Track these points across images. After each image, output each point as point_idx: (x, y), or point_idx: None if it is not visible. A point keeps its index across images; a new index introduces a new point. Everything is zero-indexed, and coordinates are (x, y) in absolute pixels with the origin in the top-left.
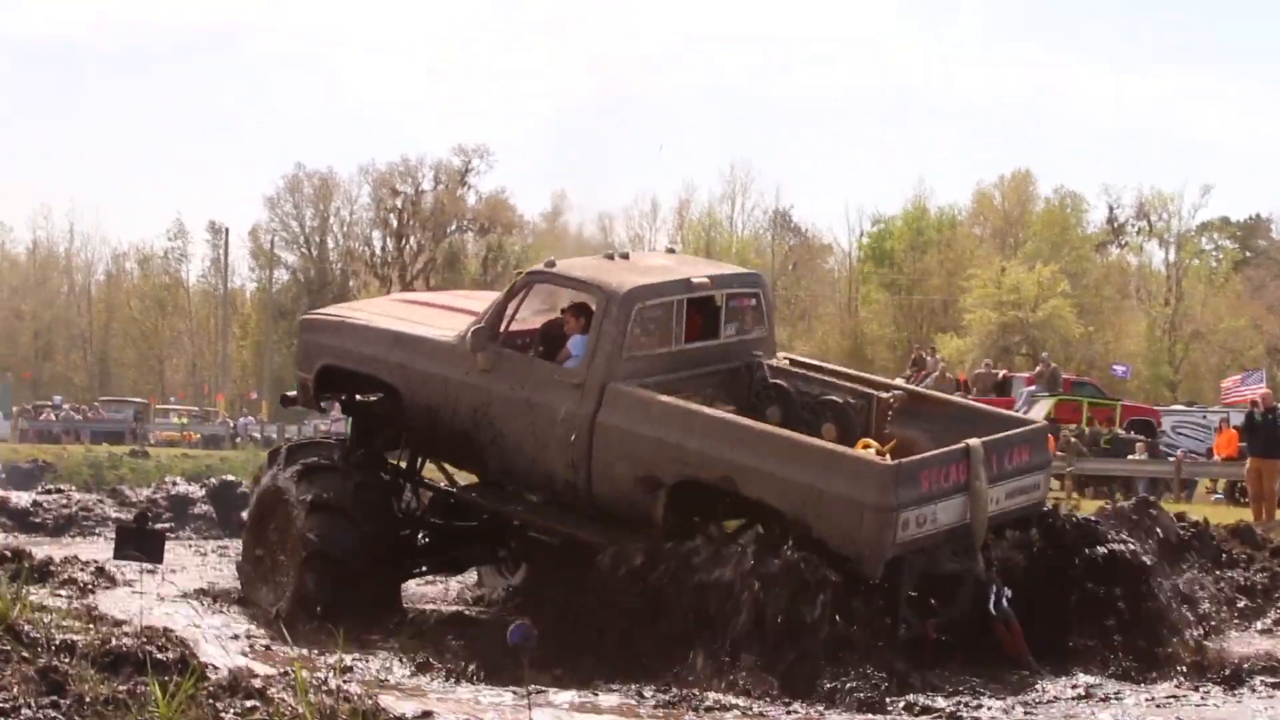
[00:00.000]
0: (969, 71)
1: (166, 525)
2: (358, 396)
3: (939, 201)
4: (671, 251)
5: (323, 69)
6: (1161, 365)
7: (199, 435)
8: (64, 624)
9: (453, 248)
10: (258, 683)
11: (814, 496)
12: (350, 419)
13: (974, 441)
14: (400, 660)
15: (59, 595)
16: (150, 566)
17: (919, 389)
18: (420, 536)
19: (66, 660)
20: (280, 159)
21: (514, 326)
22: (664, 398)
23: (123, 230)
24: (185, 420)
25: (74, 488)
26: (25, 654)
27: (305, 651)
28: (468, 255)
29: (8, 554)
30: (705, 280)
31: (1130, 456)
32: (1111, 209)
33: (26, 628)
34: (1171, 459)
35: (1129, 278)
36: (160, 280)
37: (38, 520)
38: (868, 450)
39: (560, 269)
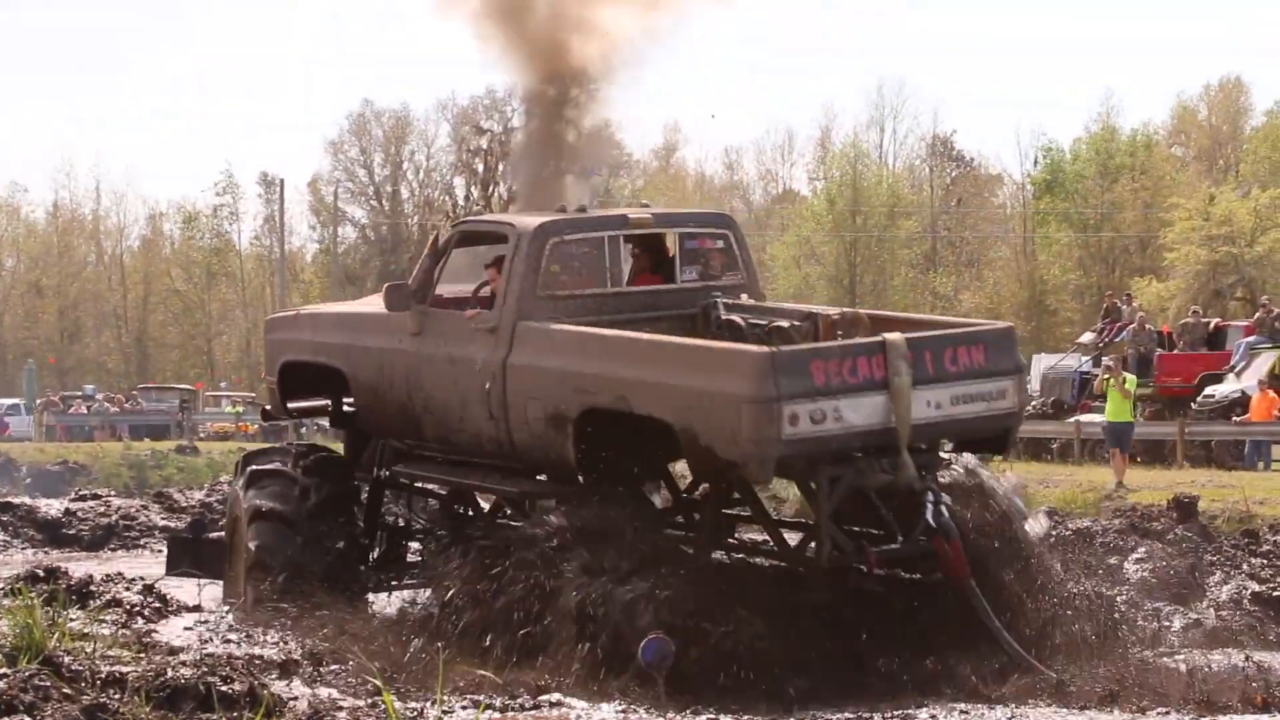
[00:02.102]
0: None
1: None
2: (343, 404)
3: (1131, 120)
4: (645, 206)
5: None
6: None
7: (256, 426)
8: (110, 654)
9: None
10: (343, 715)
11: (696, 400)
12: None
13: (892, 335)
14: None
15: (102, 620)
16: (209, 582)
17: (884, 313)
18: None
19: (116, 696)
20: (344, 97)
21: (456, 293)
22: (565, 326)
23: (160, 187)
24: (239, 408)
25: (112, 493)
26: (67, 690)
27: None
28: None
29: (40, 573)
30: (646, 217)
31: None
32: None
33: (67, 659)
34: None
35: None
36: (206, 244)
37: (71, 532)
38: None
39: (481, 217)
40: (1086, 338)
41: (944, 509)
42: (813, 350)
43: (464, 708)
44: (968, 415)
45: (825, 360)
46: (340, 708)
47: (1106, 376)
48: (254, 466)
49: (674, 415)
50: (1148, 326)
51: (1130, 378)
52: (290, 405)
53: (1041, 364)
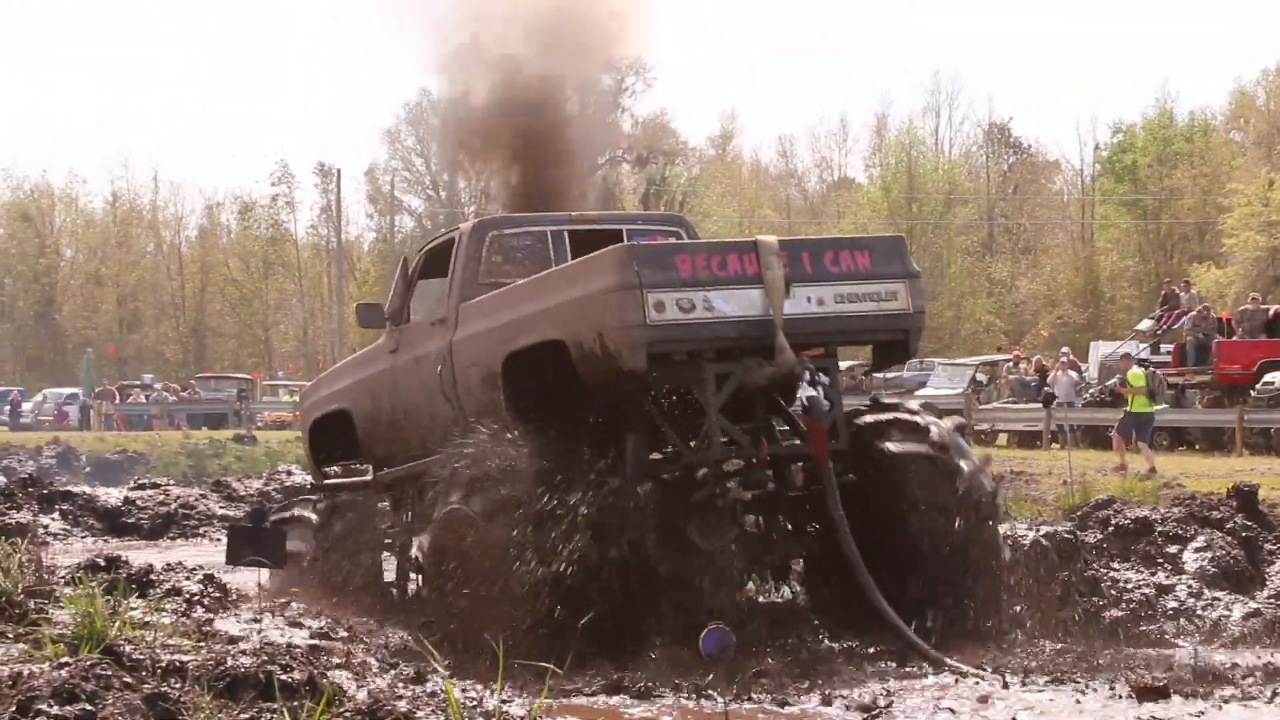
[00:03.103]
0: None
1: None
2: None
3: (1189, 105)
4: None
5: None
6: None
7: None
8: (170, 643)
9: (607, 182)
10: (403, 705)
11: (578, 309)
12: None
13: (764, 237)
14: (570, 677)
15: (163, 610)
16: (271, 571)
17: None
18: None
19: (177, 686)
20: (400, 87)
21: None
22: (489, 293)
23: (217, 178)
24: (297, 397)
25: (171, 481)
26: (128, 679)
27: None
28: (623, 190)
29: (100, 562)
30: (594, 215)
31: None
32: None
33: (128, 648)
34: None
35: None
36: (263, 234)
37: (130, 521)
38: None
39: (437, 235)
40: (1144, 325)
41: (822, 390)
42: (677, 245)
43: (520, 697)
44: (855, 314)
45: (692, 255)
46: (400, 696)
47: (1122, 389)
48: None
49: (564, 330)
50: (1210, 314)
51: (1136, 374)
52: (325, 470)
53: (1099, 351)
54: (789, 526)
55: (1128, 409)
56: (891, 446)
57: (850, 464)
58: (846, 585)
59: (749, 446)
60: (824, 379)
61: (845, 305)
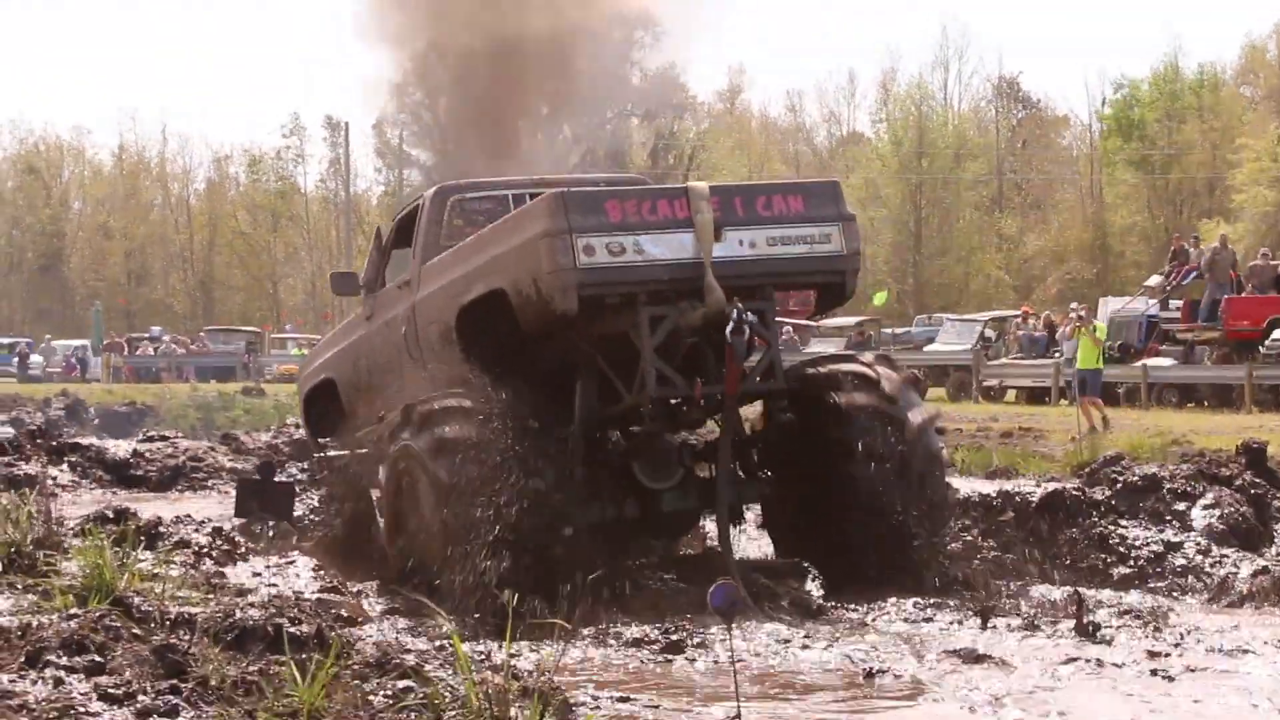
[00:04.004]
0: None
1: (293, 477)
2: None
3: (1198, 58)
4: None
5: None
6: None
7: None
8: (179, 595)
9: (615, 136)
10: (410, 659)
11: (515, 257)
12: None
13: (695, 183)
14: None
15: (171, 562)
16: (279, 524)
17: None
18: None
19: (185, 637)
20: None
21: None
22: (450, 250)
23: (226, 132)
24: (305, 351)
25: (180, 434)
26: (137, 631)
27: (464, 623)
28: (632, 144)
29: (109, 514)
30: (555, 177)
31: None
32: None
33: (137, 600)
34: None
35: None
36: (271, 187)
37: (139, 473)
38: None
39: (407, 204)
40: (1153, 281)
41: (747, 330)
42: (608, 192)
43: (531, 650)
44: (787, 256)
45: (622, 200)
46: (408, 650)
47: (1078, 325)
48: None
49: (504, 279)
50: (1228, 246)
51: (1101, 325)
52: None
53: (1108, 307)
54: (740, 471)
55: (1079, 368)
56: (839, 397)
57: (794, 406)
58: (813, 529)
59: (684, 386)
60: (750, 318)
61: (777, 248)
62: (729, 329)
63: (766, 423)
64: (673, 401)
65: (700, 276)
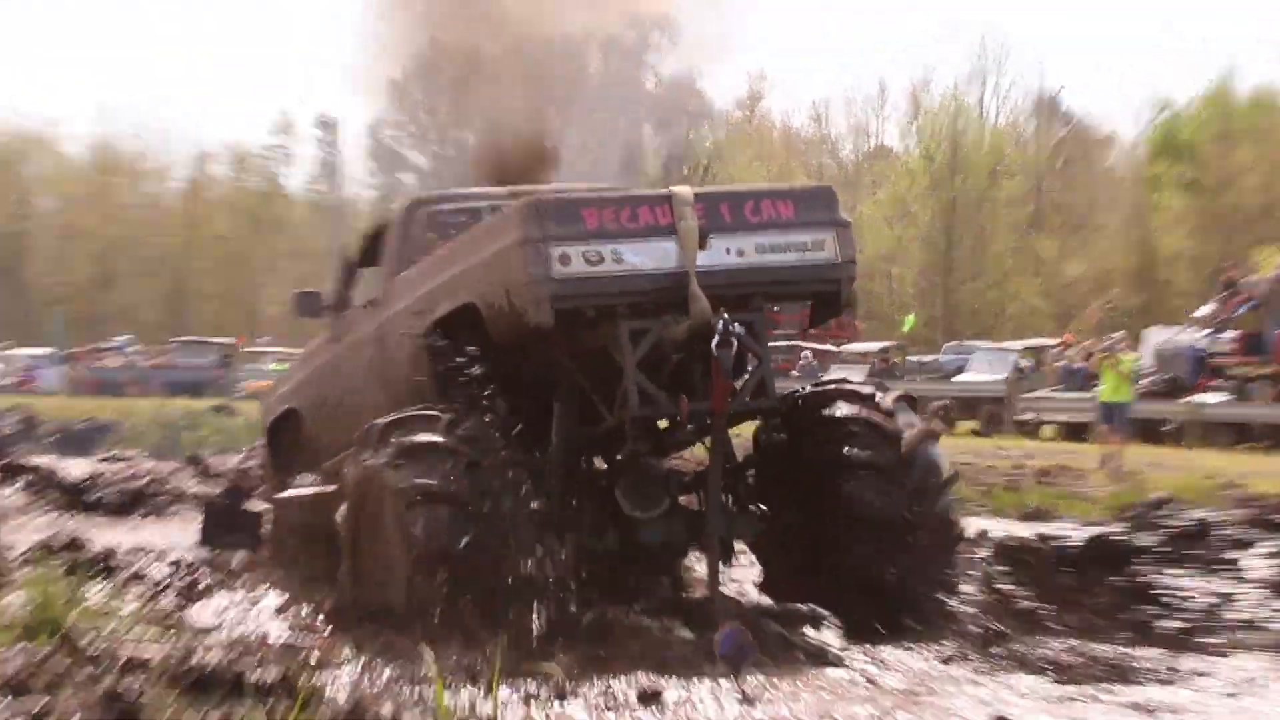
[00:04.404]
0: None
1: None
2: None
3: (1252, 79)
4: None
5: None
6: None
7: None
8: (134, 633)
9: (627, 144)
10: (386, 710)
11: (485, 269)
12: None
13: (679, 188)
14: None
15: (126, 595)
16: (246, 555)
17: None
18: None
19: (139, 681)
20: (410, 37)
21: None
22: (418, 264)
23: (206, 128)
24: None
25: (143, 454)
26: (87, 671)
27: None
28: (645, 154)
29: (61, 541)
30: (533, 189)
31: None
32: None
33: (87, 638)
34: None
35: None
36: (256, 187)
37: (96, 497)
38: None
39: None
40: (1203, 311)
41: (734, 342)
42: (585, 199)
43: (522, 702)
44: (778, 264)
45: (600, 208)
46: (383, 698)
47: (1104, 357)
48: None
49: (475, 293)
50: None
51: (1126, 358)
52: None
53: (1154, 338)
54: (732, 502)
55: (1102, 400)
56: (831, 411)
57: (787, 426)
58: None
59: (669, 405)
60: (738, 330)
61: (767, 256)
62: (714, 341)
63: (757, 446)
64: (660, 423)
65: (684, 287)
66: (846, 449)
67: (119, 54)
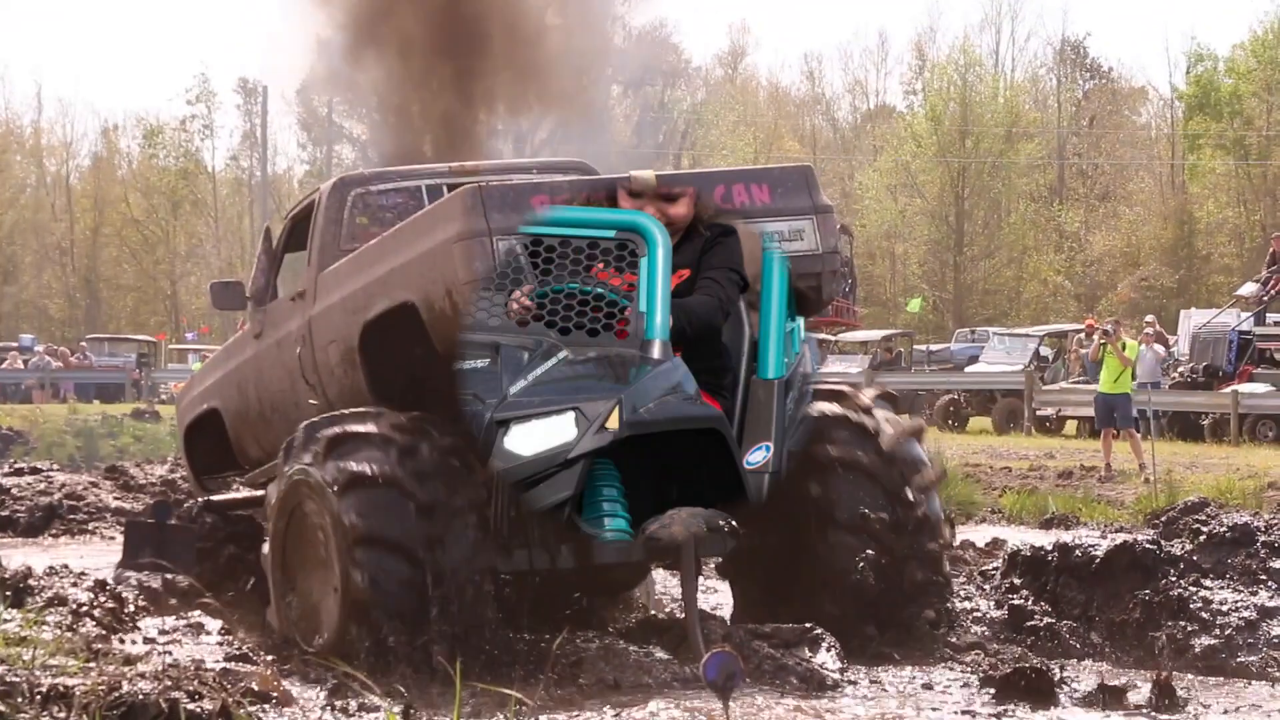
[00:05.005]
0: None
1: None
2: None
3: None
4: None
5: None
6: None
7: None
8: (53, 663)
9: (593, 108)
10: None
11: (423, 265)
12: None
13: (640, 172)
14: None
15: (44, 623)
16: (176, 578)
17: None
18: None
19: (60, 713)
20: None
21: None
22: (350, 255)
23: (116, 98)
24: None
25: (55, 466)
26: (2, 708)
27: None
28: (614, 118)
29: None
30: (475, 165)
31: None
32: None
33: (2, 668)
34: None
35: None
36: (172, 165)
37: (5, 514)
38: None
39: (303, 200)
40: (1248, 289)
41: None
42: (534, 185)
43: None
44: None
45: (552, 194)
46: None
47: (1103, 341)
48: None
49: (413, 290)
50: None
51: (1132, 344)
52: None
53: (1190, 321)
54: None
55: (1102, 392)
56: (809, 409)
57: None
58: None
59: None
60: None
61: None
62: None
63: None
64: None
65: None
66: (822, 447)
67: (9, 12)
